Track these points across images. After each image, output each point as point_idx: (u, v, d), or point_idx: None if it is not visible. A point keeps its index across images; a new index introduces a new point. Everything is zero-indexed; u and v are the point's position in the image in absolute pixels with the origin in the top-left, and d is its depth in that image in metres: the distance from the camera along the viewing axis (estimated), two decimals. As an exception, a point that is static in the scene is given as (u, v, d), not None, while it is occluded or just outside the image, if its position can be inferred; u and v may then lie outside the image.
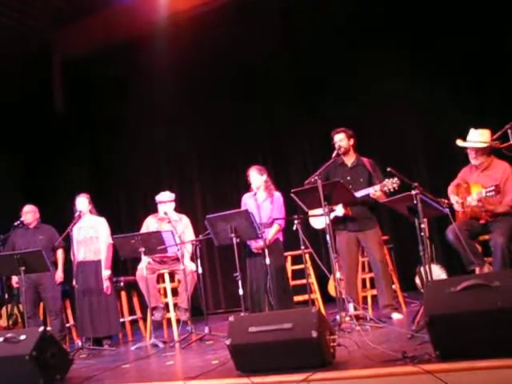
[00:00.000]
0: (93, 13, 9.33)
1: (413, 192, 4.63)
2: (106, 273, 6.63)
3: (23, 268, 5.92)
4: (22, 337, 4.22)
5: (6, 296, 6.98)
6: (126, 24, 9.20)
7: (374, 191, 5.47)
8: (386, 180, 5.40)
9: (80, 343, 6.28)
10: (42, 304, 7.05)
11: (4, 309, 7.38)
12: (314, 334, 3.30)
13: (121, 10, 9.06)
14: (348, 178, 5.70)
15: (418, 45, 7.75)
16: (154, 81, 9.33)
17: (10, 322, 7.06)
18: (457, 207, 5.35)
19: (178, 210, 6.82)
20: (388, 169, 4.97)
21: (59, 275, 6.85)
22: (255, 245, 5.98)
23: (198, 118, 9.38)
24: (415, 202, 4.62)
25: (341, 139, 5.77)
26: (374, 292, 5.99)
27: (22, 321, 7.05)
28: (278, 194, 6.24)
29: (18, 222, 6.90)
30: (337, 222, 5.69)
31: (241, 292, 5.44)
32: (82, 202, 6.76)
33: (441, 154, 7.53)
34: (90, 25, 9.49)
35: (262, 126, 9.13)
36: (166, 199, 6.66)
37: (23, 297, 6.19)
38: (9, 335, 4.28)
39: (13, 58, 9.39)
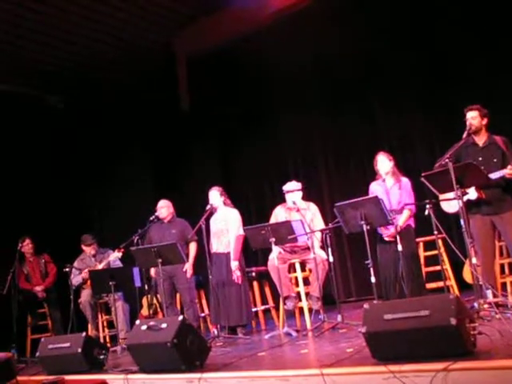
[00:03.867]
0: (212, 12, 9.58)
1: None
2: (233, 264, 6.67)
3: (160, 260, 6.19)
4: (163, 325, 4.46)
5: (146, 287, 7.35)
6: (246, 19, 9.32)
7: (510, 172, 5.17)
8: None
9: (216, 332, 6.48)
10: (178, 294, 7.35)
11: (145, 299, 7.79)
12: (453, 322, 3.20)
13: (239, 7, 9.21)
14: (480, 158, 5.38)
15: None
16: (276, 73, 9.40)
17: (151, 311, 7.43)
18: None
19: (304, 199, 6.82)
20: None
21: (188, 267, 6.99)
22: (387, 232, 5.88)
23: (323, 107, 9.34)
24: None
25: (473, 117, 5.46)
26: (514, 278, 5.71)
27: (160, 310, 7.38)
28: (405, 179, 6.10)
29: (154, 216, 7.16)
30: (470, 206, 5.40)
31: (373, 280, 5.36)
32: (214, 195, 6.90)
33: None
34: (210, 24, 9.75)
35: (387, 112, 8.92)
36: (293, 188, 6.67)
37: (161, 288, 6.46)
38: (151, 323, 4.55)
39: (143, 60, 9.91)
